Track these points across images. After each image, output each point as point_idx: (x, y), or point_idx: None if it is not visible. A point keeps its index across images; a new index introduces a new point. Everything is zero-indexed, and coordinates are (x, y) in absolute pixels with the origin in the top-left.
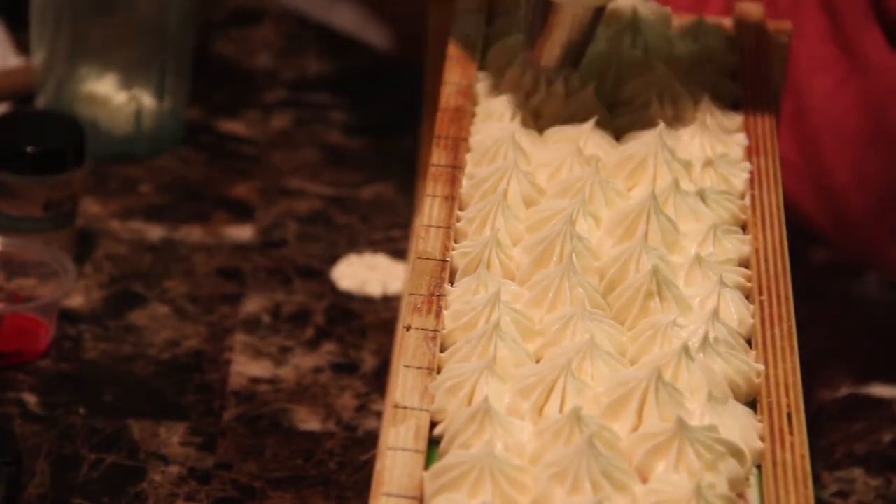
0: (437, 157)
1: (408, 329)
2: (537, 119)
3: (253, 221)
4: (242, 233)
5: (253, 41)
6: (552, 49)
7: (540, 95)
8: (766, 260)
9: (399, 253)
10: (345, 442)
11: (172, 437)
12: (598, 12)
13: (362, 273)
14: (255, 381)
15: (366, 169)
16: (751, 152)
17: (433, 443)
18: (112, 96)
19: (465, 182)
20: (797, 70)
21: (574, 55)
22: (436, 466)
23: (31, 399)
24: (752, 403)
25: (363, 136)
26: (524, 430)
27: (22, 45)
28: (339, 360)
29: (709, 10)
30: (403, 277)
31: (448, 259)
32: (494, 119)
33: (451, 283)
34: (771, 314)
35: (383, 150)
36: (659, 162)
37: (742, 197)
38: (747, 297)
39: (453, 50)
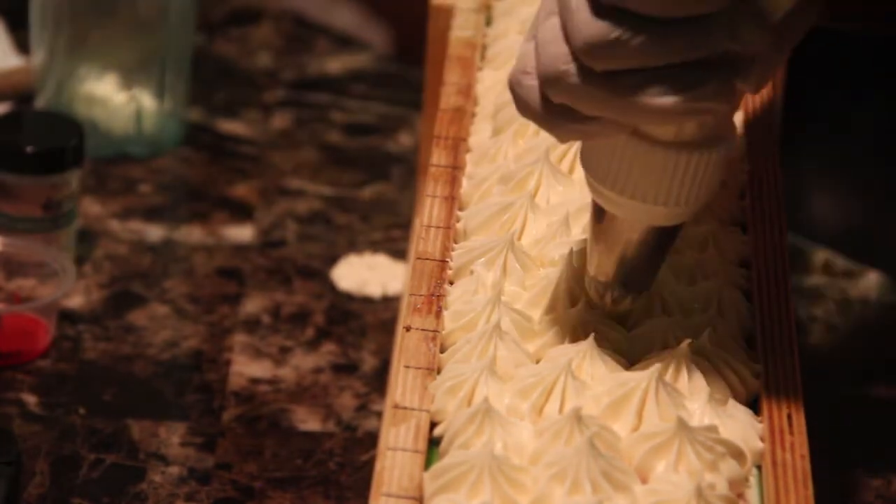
0: (437, 157)
1: (408, 329)
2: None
3: (253, 222)
4: (242, 233)
5: (253, 41)
6: (602, 261)
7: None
8: (766, 260)
9: (399, 253)
10: (345, 442)
11: (172, 438)
12: (666, 232)
13: (362, 273)
14: (255, 381)
15: (366, 169)
16: (751, 152)
17: (433, 443)
18: (112, 96)
19: (465, 182)
20: None
21: (632, 275)
22: (435, 467)
23: (30, 399)
24: (752, 404)
25: (363, 136)
26: (524, 431)
27: (22, 45)
28: (339, 361)
29: None
30: (403, 278)
31: (448, 259)
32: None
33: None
34: (771, 315)
35: (383, 150)
36: None
37: (742, 197)
38: (747, 298)
39: (453, 50)
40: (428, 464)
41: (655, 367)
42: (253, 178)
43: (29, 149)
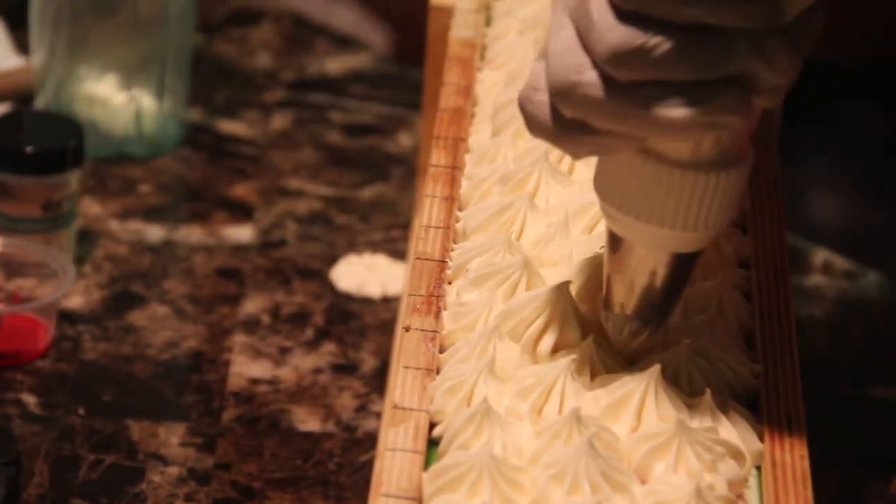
0: (437, 157)
1: (407, 330)
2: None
3: (252, 222)
4: (242, 233)
5: (253, 41)
6: (619, 294)
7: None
8: (766, 260)
9: (399, 253)
10: (344, 442)
11: (172, 438)
12: (684, 261)
13: (362, 274)
14: (255, 381)
15: (366, 169)
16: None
17: (432, 443)
18: (112, 97)
19: (464, 183)
20: None
21: (650, 308)
22: (435, 467)
23: (30, 399)
24: (752, 404)
25: (363, 136)
26: (523, 431)
27: (22, 45)
28: (339, 361)
29: None
30: (403, 278)
31: (447, 260)
32: None
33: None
34: (770, 315)
35: (383, 150)
36: None
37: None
38: (747, 298)
39: (453, 50)
40: (427, 464)
41: (655, 368)
42: (253, 179)
43: (29, 149)
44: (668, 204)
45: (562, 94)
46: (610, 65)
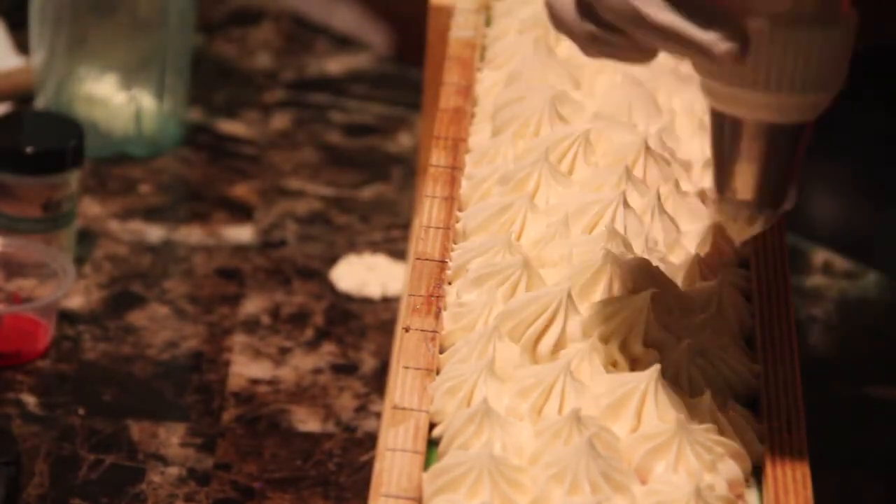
0: (437, 157)
1: (407, 330)
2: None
3: (252, 222)
4: (242, 233)
5: (253, 41)
6: (746, 179)
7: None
8: (766, 260)
9: (399, 253)
10: (344, 443)
11: (172, 438)
12: (798, 133)
13: (362, 274)
14: (255, 381)
15: (366, 169)
16: None
17: (432, 444)
18: (112, 97)
19: (464, 183)
20: None
21: (763, 189)
22: (435, 467)
23: (30, 400)
24: (752, 404)
25: (363, 136)
26: (523, 431)
27: (22, 45)
28: (339, 361)
29: None
30: (403, 278)
31: (447, 260)
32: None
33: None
34: (771, 315)
35: (383, 150)
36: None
37: None
38: (747, 298)
39: (453, 50)
40: (427, 464)
41: (655, 368)
42: (253, 179)
43: (29, 149)
44: (768, 65)
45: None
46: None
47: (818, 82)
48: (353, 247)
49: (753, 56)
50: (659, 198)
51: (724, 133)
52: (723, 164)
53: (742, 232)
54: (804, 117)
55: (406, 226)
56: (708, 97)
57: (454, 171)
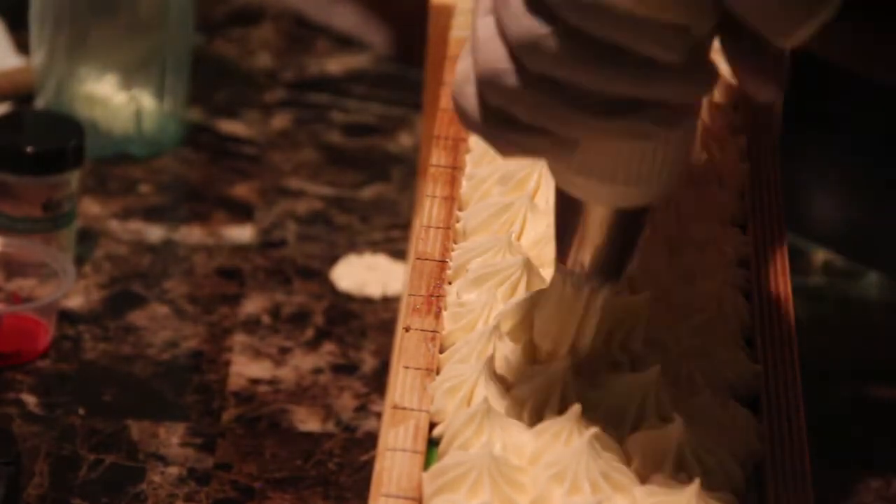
0: (437, 157)
1: (407, 330)
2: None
3: (253, 222)
4: (242, 233)
5: (253, 41)
6: (581, 253)
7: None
8: (766, 260)
9: (399, 253)
10: (344, 443)
11: (172, 438)
12: (633, 216)
13: (362, 274)
14: (255, 381)
15: (366, 169)
16: (751, 152)
17: (432, 444)
18: (112, 97)
19: (464, 183)
20: None
21: (609, 263)
22: (435, 467)
23: (30, 399)
24: (752, 404)
25: (363, 136)
26: (523, 431)
27: (22, 45)
28: (339, 361)
29: None
30: (403, 278)
31: (448, 260)
32: None
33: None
34: (771, 315)
35: (383, 150)
36: None
37: (742, 197)
38: (747, 298)
39: (453, 50)
40: (427, 464)
41: (655, 368)
42: (253, 179)
43: (29, 149)
44: (610, 159)
45: (485, 82)
46: (520, 55)
47: (660, 175)
48: (354, 247)
49: (595, 149)
50: None
51: (567, 208)
52: (565, 236)
53: (588, 301)
54: (648, 202)
55: (406, 226)
56: (553, 175)
57: (454, 171)
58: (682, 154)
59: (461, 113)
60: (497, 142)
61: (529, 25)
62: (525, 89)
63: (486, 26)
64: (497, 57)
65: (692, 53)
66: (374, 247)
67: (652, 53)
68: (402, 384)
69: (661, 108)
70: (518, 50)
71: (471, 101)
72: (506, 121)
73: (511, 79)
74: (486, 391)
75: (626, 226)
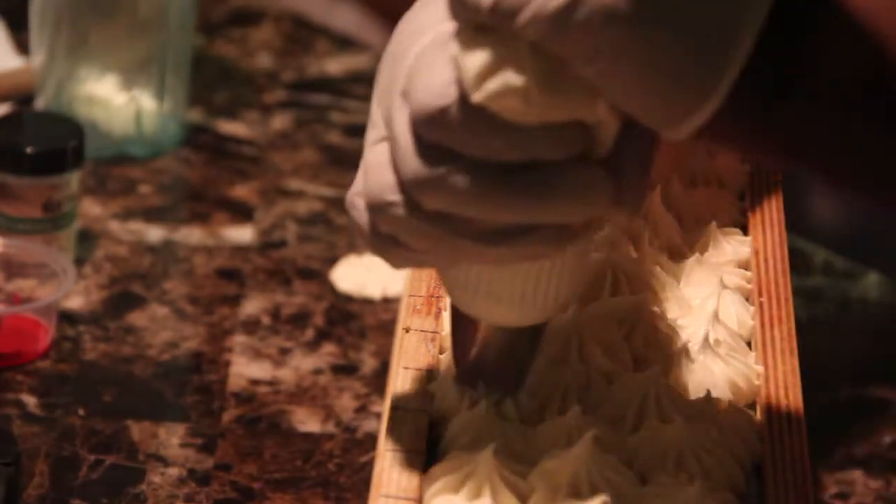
0: None
1: (407, 330)
2: None
3: (253, 222)
4: (242, 234)
5: (253, 41)
6: (481, 360)
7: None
8: (766, 261)
9: None
10: (344, 443)
11: (172, 439)
12: (534, 332)
13: (362, 274)
14: (255, 382)
15: None
16: None
17: (432, 444)
18: (112, 97)
19: None
20: None
21: (495, 375)
22: (435, 467)
23: (30, 400)
24: (753, 405)
25: (363, 136)
26: (524, 432)
27: (22, 45)
28: (339, 362)
29: None
30: (403, 279)
31: None
32: None
33: None
34: (771, 315)
35: None
36: None
37: (742, 197)
38: (747, 299)
39: None
40: (427, 465)
41: (655, 368)
42: (253, 179)
43: (29, 149)
44: (500, 281)
45: (375, 209)
46: (413, 192)
47: (553, 296)
48: (354, 247)
49: (487, 272)
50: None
51: (461, 319)
52: (460, 343)
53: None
54: (539, 321)
55: None
56: (447, 291)
57: None
58: (576, 275)
59: (353, 224)
60: (387, 257)
61: (419, 167)
62: (414, 221)
63: (379, 153)
64: (387, 188)
65: (587, 172)
66: None
67: (553, 156)
68: (402, 385)
69: (553, 228)
70: (408, 186)
71: (362, 216)
72: (395, 243)
73: (400, 210)
74: (485, 391)
75: (518, 342)
